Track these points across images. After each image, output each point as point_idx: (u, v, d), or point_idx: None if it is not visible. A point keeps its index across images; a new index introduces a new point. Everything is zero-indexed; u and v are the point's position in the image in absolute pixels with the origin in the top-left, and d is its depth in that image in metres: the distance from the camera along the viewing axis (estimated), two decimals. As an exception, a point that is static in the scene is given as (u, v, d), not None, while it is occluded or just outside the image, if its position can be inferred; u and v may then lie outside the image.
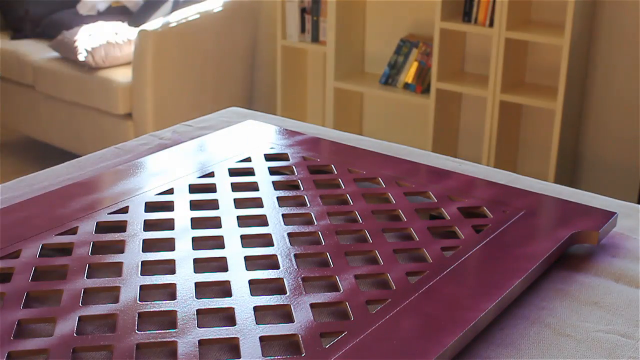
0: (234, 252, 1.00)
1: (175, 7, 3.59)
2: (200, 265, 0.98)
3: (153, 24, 3.24)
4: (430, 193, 1.18)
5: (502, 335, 0.89)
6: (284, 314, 0.88)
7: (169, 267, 0.97)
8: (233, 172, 1.24)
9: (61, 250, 1.01)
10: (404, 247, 1.03)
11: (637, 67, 2.96)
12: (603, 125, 3.11)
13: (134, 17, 3.69)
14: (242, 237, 1.04)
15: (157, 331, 0.84)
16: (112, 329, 0.85)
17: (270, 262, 0.98)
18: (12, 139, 3.83)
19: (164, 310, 0.88)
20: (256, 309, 0.88)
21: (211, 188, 1.19)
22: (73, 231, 1.05)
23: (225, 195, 1.16)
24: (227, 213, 1.11)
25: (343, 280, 0.94)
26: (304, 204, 1.15)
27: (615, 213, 1.11)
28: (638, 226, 1.14)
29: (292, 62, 3.65)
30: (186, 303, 0.89)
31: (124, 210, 1.11)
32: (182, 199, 1.15)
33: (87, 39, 3.37)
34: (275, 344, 0.84)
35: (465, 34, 3.25)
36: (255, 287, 0.93)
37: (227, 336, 0.83)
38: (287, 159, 1.30)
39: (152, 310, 0.88)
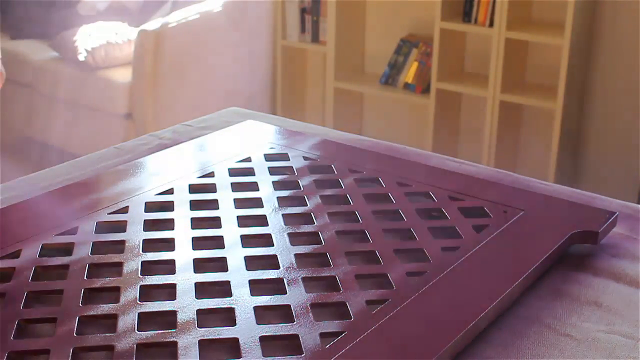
0: (234, 252, 1.00)
1: (175, 7, 3.58)
2: (200, 265, 0.98)
3: (153, 24, 3.24)
4: (431, 193, 1.18)
5: (502, 335, 0.89)
6: (284, 314, 0.88)
7: (169, 267, 0.97)
8: (233, 172, 1.24)
9: (61, 250, 1.01)
10: (404, 246, 1.03)
11: (637, 67, 2.96)
12: (603, 125, 3.11)
13: (134, 17, 3.69)
14: (242, 237, 1.04)
15: (157, 331, 0.84)
16: (112, 329, 0.85)
17: (270, 262, 0.98)
18: (12, 139, 3.82)
19: (164, 310, 0.88)
20: (256, 309, 0.88)
21: (211, 188, 1.19)
22: (73, 231, 1.05)
23: (225, 195, 1.16)
24: (227, 213, 1.11)
25: (343, 280, 0.94)
26: (304, 204, 1.14)
27: (616, 213, 1.11)
28: (638, 226, 1.14)
29: (292, 62, 3.65)
30: (186, 303, 0.89)
31: (124, 210, 1.11)
32: (182, 199, 1.15)
33: (87, 39, 3.37)
34: (275, 344, 0.84)
35: (465, 34, 3.25)
36: (255, 287, 0.93)
37: (227, 336, 0.83)
38: (287, 159, 1.30)
39: (152, 310, 0.88)
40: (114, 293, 0.92)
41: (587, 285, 1.00)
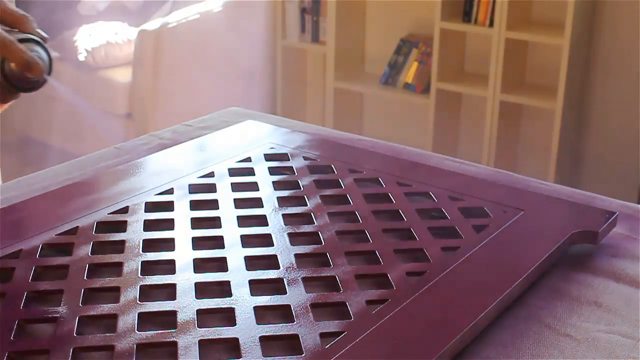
0: (234, 252, 1.00)
1: (175, 7, 3.58)
2: (200, 265, 0.98)
3: (153, 24, 3.24)
4: (431, 193, 1.18)
5: (502, 335, 0.89)
6: (284, 314, 0.88)
7: (169, 267, 0.97)
8: (233, 172, 1.24)
9: (61, 250, 1.01)
10: (404, 247, 1.03)
11: (637, 67, 2.96)
12: (603, 125, 3.11)
13: (134, 17, 3.69)
14: (242, 237, 1.04)
15: (157, 331, 0.84)
16: (112, 329, 0.85)
17: (270, 262, 0.98)
18: (12, 139, 3.83)
19: (164, 310, 0.88)
20: (256, 309, 0.88)
21: (211, 188, 1.19)
22: (73, 231, 1.05)
23: (225, 195, 1.16)
24: (227, 213, 1.11)
25: (343, 280, 0.94)
26: (304, 204, 1.14)
27: (616, 213, 1.11)
28: (638, 226, 1.14)
29: (292, 62, 3.65)
30: (186, 303, 0.89)
31: (124, 210, 1.11)
32: (182, 199, 1.15)
33: (87, 39, 3.37)
34: (275, 344, 0.84)
35: (465, 34, 3.25)
36: (255, 287, 0.93)
37: (227, 336, 0.83)
38: (287, 159, 1.30)
39: (152, 310, 0.88)
40: (114, 293, 0.92)
41: (587, 285, 1.00)
